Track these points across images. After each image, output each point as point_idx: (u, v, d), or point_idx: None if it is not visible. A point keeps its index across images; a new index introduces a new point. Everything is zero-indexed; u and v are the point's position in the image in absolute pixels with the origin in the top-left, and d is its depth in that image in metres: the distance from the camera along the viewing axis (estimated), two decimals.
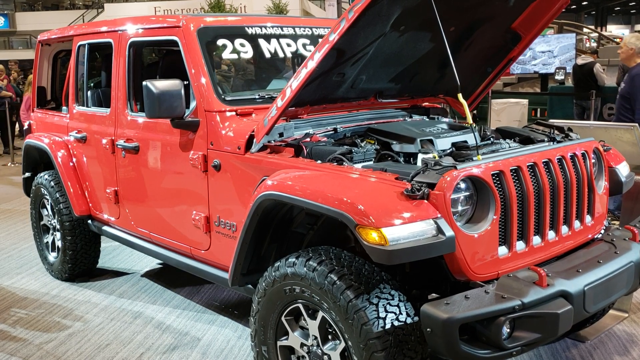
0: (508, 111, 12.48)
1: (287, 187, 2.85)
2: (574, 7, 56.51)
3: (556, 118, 11.20)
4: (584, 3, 53.93)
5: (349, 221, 2.53)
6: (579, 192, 3.14)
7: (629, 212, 4.27)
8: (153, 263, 5.50)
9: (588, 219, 3.23)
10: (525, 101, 12.62)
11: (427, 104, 4.22)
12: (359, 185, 2.72)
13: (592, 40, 29.50)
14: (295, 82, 3.02)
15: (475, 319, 2.40)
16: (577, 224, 3.15)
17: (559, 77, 12.03)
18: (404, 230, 2.47)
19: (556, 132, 3.51)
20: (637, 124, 4.03)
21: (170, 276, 5.19)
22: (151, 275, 5.28)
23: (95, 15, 32.23)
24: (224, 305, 4.58)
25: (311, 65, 2.94)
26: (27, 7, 37.93)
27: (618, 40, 28.16)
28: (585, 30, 26.80)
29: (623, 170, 3.56)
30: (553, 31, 25.70)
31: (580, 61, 11.08)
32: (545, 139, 3.41)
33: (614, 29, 52.45)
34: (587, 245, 3.18)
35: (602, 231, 3.39)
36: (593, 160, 3.33)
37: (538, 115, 13.00)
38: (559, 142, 3.32)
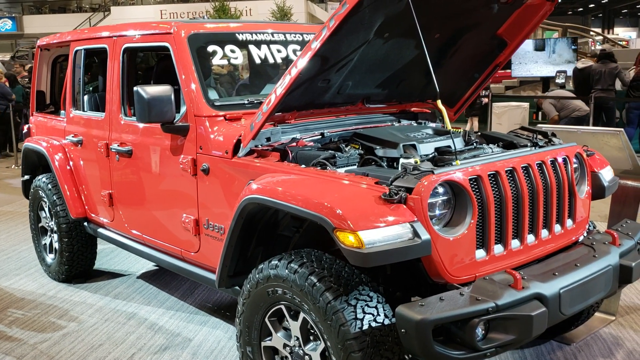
0: (509, 114, 12.53)
1: (269, 191, 2.91)
2: (580, 10, 56.45)
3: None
4: (591, 6, 53.84)
5: (327, 224, 2.59)
6: (560, 196, 3.19)
7: (617, 216, 4.31)
8: (149, 265, 5.57)
9: (569, 223, 3.28)
10: (526, 104, 12.67)
11: (415, 109, 4.28)
12: (338, 190, 2.78)
13: (598, 43, 29.46)
14: (279, 88, 3.08)
15: (448, 320, 2.45)
16: (557, 227, 3.20)
17: (559, 80, 12.06)
18: (380, 234, 2.53)
19: (539, 137, 3.56)
20: (622, 129, 4.08)
21: (165, 278, 5.26)
22: (147, 277, 5.35)
23: (102, 19, 32.42)
24: (217, 307, 4.65)
25: (294, 71, 3.00)
26: (35, 10, 38.18)
27: (624, 43, 28.13)
28: (590, 33, 26.77)
29: (606, 174, 3.60)
30: (558, 34, 25.71)
31: (580, 65, 11.12)
32: (528, 144, 3.47)
33: (621, 32, 52.27)
34: (569, 248, 3.23)
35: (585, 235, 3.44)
36: (575, 165, 3.37)
37: (540, 118, 13.04)
38: (541, 147, 3.37)
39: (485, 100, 11.65)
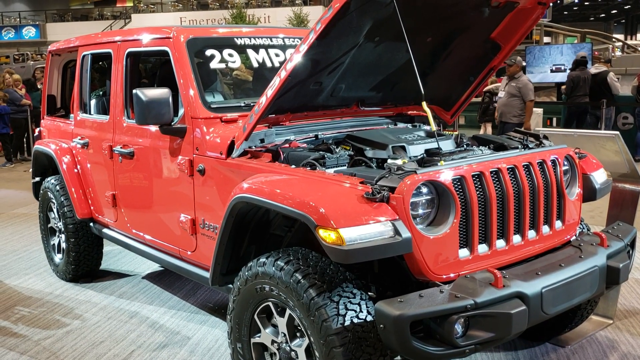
0: None
1: (256, 190, 2.98)
2: (603, 15, 55.95)
3: (570, 127, 11.18)
4: (613, 12, 53.34)
5: (310, 222, 2.65)
6: (548, 197, 3.21)
7: (614, 220, 4.29)
8: (154, 266, 5.67)
9: (558, 224, 3.29)
10: (540, 110, 12.58)
11: (412, 112, 4.32)
12: (324, 189, 2.84)
13: (618, 50, 29.20)
14: (269, 91, 3.16)
15: (426, 316, 2.50)
16: (545, 229, 3.22)
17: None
18: (362, 231, 2.59)
19: (530, 139, 3.59)
20: (618, 132, 4.08)
21: (169, 278, 5.36)
22: (151, 277, 5.45)
23: (122, 26, 32.88)
24: (218, 307, 4.72)
25: (284, 74, 3.07)
26: (58, 18, 38.90)
27: None
28: (602, 38, 26.57)
29: (598, 177, 3.61)
30: (577, 40, 25.45)
31: (593, 70, 11.06)
32: (519, 146, 3.50)
33: None
34: (557, 249, 3.25)
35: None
36: (565, 167, 3.39)
37: (554, 124, 12.99)
38: (530, 149, 3.40)
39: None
